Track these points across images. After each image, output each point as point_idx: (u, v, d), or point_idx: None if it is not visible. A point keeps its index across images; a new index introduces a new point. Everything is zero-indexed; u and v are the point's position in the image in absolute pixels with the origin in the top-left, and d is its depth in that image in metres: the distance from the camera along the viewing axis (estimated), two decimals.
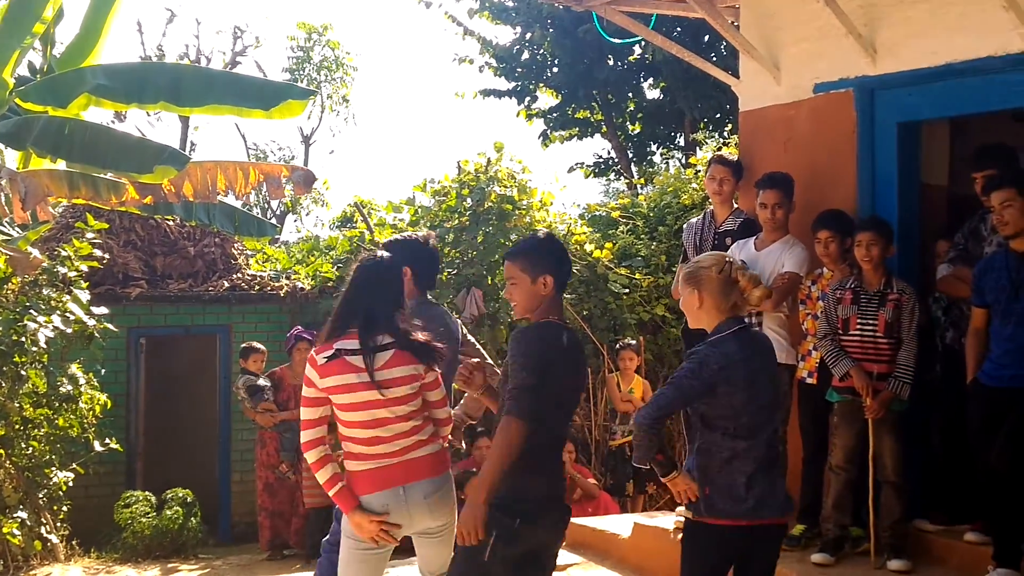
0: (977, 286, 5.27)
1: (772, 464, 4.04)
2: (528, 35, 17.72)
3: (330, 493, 4.13)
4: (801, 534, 5.91)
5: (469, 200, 10.94)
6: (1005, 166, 5.44)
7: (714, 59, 13.69)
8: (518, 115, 18.66)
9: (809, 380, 5.92)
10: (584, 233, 11.33)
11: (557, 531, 4.09)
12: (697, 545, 3.99)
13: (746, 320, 5.84)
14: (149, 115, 22.41)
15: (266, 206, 24.40)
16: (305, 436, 4.13)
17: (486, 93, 18.77)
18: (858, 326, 5.61)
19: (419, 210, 11.42)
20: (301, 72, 26.93)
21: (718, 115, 17.04)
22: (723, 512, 3.90)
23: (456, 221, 10.89)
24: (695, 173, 11.66)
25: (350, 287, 4.34)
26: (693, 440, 4.09)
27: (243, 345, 9.84)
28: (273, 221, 22.69)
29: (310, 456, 4.10)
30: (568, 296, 10.58)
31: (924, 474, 6.03)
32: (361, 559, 4.22)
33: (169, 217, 11.68)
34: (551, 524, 4.03)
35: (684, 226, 7.09)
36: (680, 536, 4.15)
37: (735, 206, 6.59)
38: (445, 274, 10.78)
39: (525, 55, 18.09)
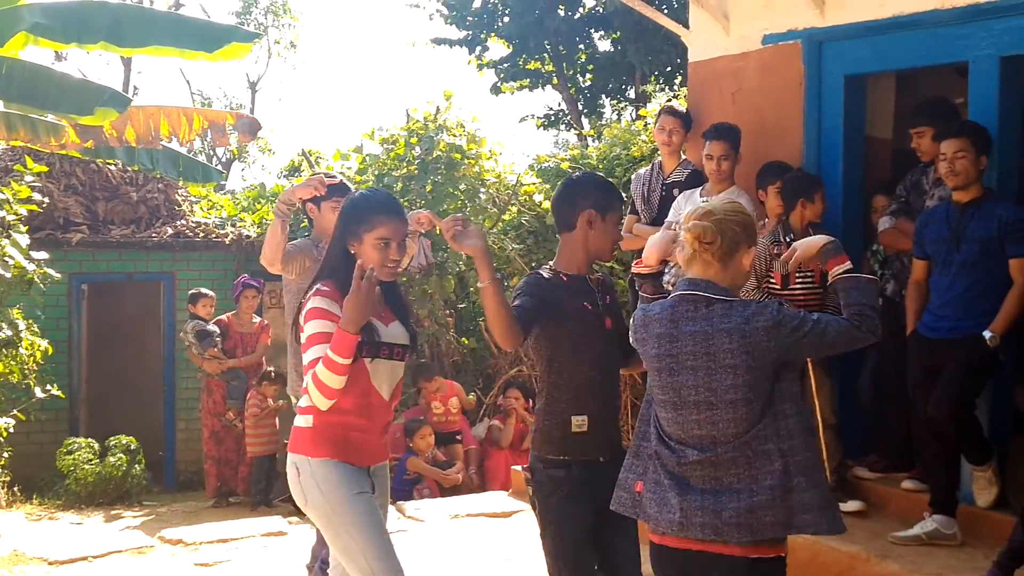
0: (918, 238, 5.32)
1: None
2: None
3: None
4: None
5: (418, 149, 10.85)
6: (944, 122, 5.48)
7: (665, 11, 13.65)
8: (469, 63, 18.53)
9: None
10: (534, 184, 11.31)
11: None
12: None
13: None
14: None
15: (211, 153, 24.04)
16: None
17: (437, 42, 18.62)
18: (798, 280, 5.66)
19: (367, 158, 11.31)
20: (248, 16, 26.48)
21: (668, 68, 17.04)
22: None
23: (404, 170, 10.81)
24: (645, 125, 11.65)
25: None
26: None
27: (191, 291, 9.75)
28: (219, 168, 22.38)
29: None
30: (517, 246, 10.59)
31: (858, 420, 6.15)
32: (368, 509, 3.67)
33: (111, 161, 11.49)
34: None
35: (632, 177, 7.11)
36: None
37: (683, 157, 6.61)
38: None
39: (476, 3, 17.95)
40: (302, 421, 3.71)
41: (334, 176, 5.22)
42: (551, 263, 3.83)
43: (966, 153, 4.99)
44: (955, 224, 5.08)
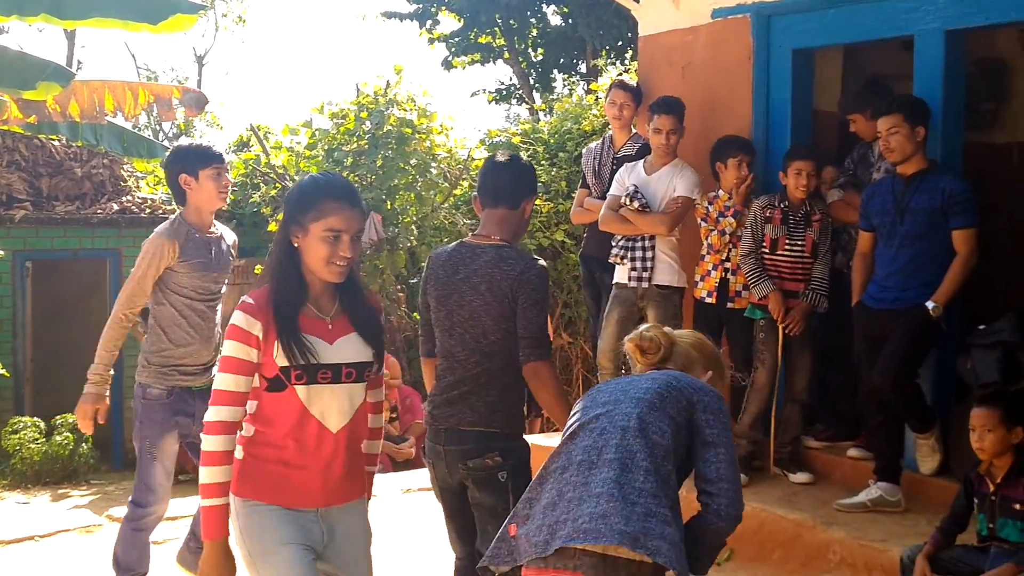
0: (864, 210, 5.41)
1: None
2: None
3: None
4: None
5: (368, 124, 10.81)
6: (873, 104, 5.58)
7: None
8: (420, 36, 18.45)
9: (708, 300, 6.03)
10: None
11: None
12: None
13: (641, 241, 5.97)
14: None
15: (157, 128, 23.73)
16: None
17: (388, 15, 18.50)
18: (787, 246, 5.75)
19: (317, 133, 11.25)
20: None
21: (619, 43, 17.08)
22: None
23: (355, 145, 10.76)
24: (596, 99, 11.70)
25: None
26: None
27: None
28: (165, 143, 22.13)
29: None
30: (469, 222, 10.60)
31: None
32: (291, 564, 3.07)
33: (54, 137, 11.35)
34: None
35: (583, 151, 7.14)
36: None
37: (634, 131, 6.64)
38: None
39: None
40: (236, 449, 3.09)
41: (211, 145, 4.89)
42: (501, 237, 3.75)
43: (899, 128, 5.07)
44: (900, 196, 5.17)
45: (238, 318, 3.02)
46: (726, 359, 5.47)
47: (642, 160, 6.23)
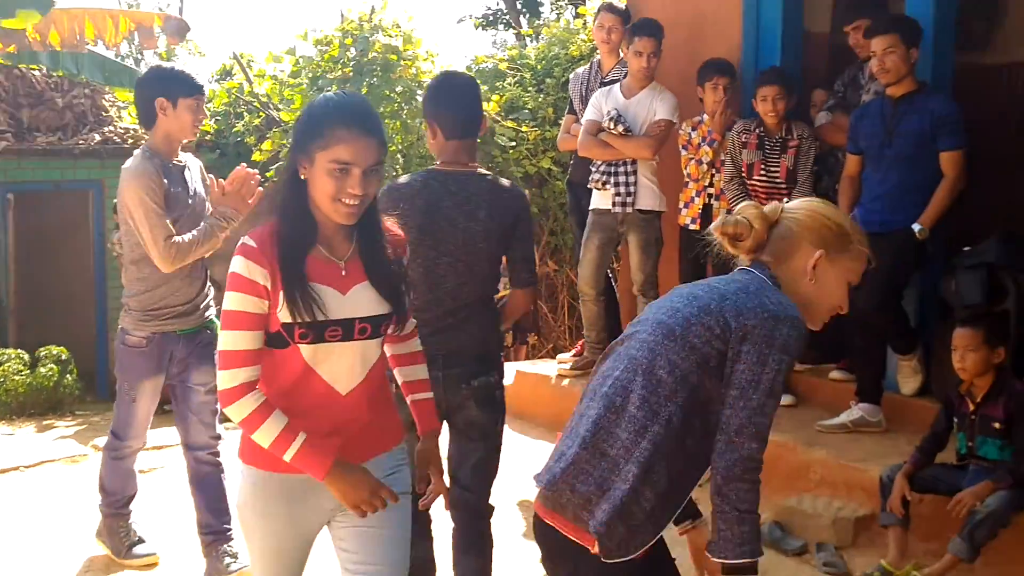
0: (852, 133, 5.38)
1: None
2: None
3: None
4: None
5: (353, 51, 10.68)
6: (873, 15, 5.52)
7: None
8: None
9: (692, 226, 6.04)
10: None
11: None
12: None
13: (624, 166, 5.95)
14: None
15: (139, 57, 23.45)
16: None
17: None
18: (762, 171, 5.74)
19: (300, 60, 11.12)
20: None
21: None
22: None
23: (339, 72, 10.64)
24: (584, 24, 11.57)
25: None
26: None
27: (116, 199, 9.61)
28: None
29: None
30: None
31: None
32: (275, 539, 2.81)
33: (35, 67, 11.22)
34: None
35: (570, 76, 7.09)
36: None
37: (622, 55, 6.58)
38: None
39: None
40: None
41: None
42: (476, 165, 3.69)
43: (895, 48, 5.03)
44: (888, 119, 5.15)
45: (239, 264, 2.55)
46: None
47: (616, 84, 6.18)
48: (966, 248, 5.45)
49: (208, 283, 4.64)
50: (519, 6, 18.45)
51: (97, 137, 11.58)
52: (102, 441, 6.88)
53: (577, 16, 12.94)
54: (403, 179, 3.68)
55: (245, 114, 11.67)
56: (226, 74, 14.37)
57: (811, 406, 5.73)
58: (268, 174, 10.08)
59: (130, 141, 11.52)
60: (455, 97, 3.68)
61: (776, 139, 5.73)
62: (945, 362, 4.60)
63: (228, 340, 2.56)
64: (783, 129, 5.73)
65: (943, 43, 5.42)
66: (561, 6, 17.80)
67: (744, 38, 6.27)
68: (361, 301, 2.65)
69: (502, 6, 18.86)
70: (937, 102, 5.08)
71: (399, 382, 3.02)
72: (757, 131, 5.74)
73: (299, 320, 2.55)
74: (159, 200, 4.22)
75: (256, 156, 9.84)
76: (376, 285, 2.68)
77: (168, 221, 4.23)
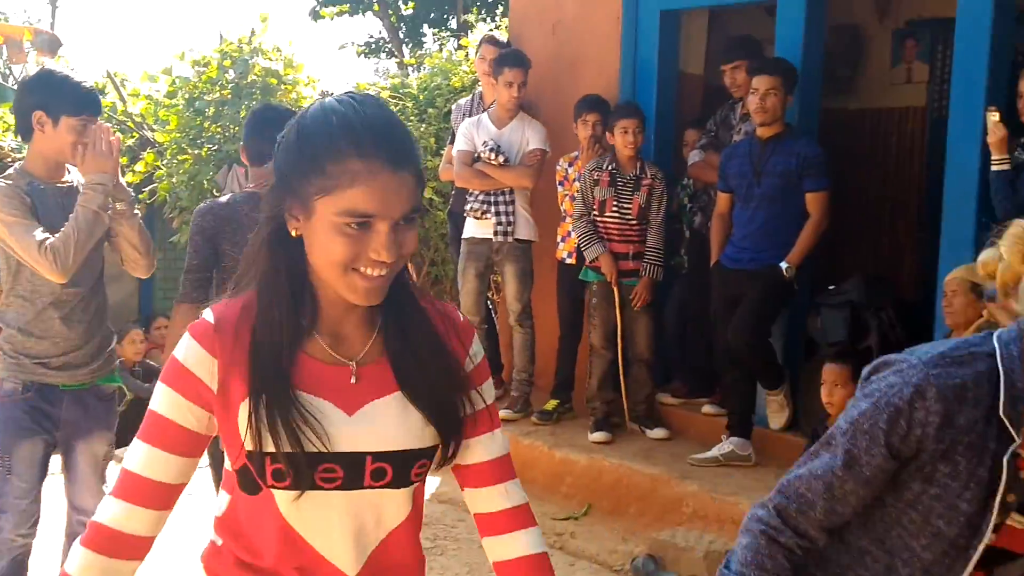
0: (722, 171, 5.52)
1: None
2: None
3: None
4: (554, 409, 6.16)
5: (232, 73, 10.50)
6: (753, 57, 5.69)
7: None
8: None
9: (568, 260, 6.10)
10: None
11: None
12: None
13: (503, 196, 5.98)
14: None
15: (7, 72, 22.66)
16: None
17: None
18: (614, 208, 5.80)
19: (177, 81, 10.87)
20: None
21: (491, 0, 17.01)
22: None
23: (217, 94, 10.44)
24: (466, 55, 11.61)
25: None
26: None
27: None
28: (14, 87, 21.17)
29: None
30: None
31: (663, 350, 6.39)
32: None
33: None
34: None
35: (453, 107, 7.10)
36: None
37: None
38: (205, 150, 10.40)
39: None
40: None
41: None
42: None
43: (777, 91, 5.17)
44: (757, 158, 5.29)
45: (180, 345, 1.67)
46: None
47: (485, 114, 6.24)
48: (831, 287, 5.64)
49: (110, 333, 3.82)
50: (402, 35, 18.44)
51: None
52: None
53: (459, 48, 12.97)
54: (217, 200, 3.92)
55: (119, 134, 11.35)
56: (99, 92, 13.98)
57: (685, 439, 5.80)
58: (141, 196, 9.85)
59: None
60: (261, 127, 3.83)
61: (629, 176, 5.80)
62: (811, 398, 4.74)
63: (131, 456, 1.69)
64: (637, 167, 5.81)
65: (810, 88, 5.60)
66: (444, 37, 17.85)
67: (621, 76, 6.38)
68: (380, 426, 1.69)
69: (385, 35, 18.82)
70: (803, 144, 5.24)
71: (490, 560, 1.89)
72: (610, 168, 5.81)
73: (272, 449, 1.62)
74: (25, 212, 3.47)
75: (130, 177, 9.57)
76: (415, 399, 1.71)
77: (41, 228, 3.46)
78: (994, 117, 4.59)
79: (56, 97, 3.53)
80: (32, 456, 3.58)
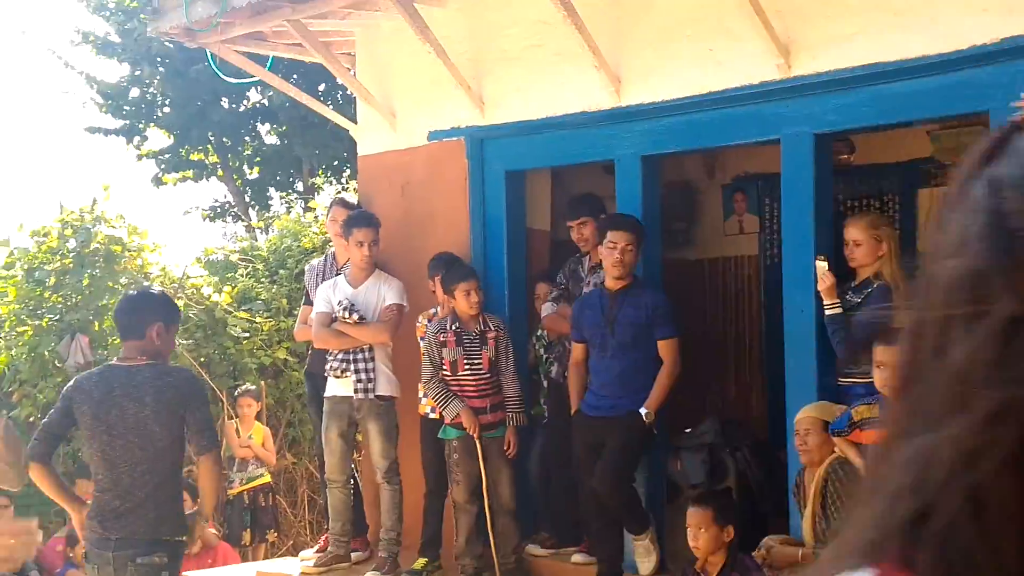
0: (576, 322, 5.66)
1: None
2: (136, 72, 17.05)
3: None
4: (423, 568, 6.04)
5: (73, 242, 10.31)
6: (597, 213, 5.92)
7: (330, 105, 13.80)
8: (128, 151, 17.83)
9: (432, 415, 6.08)
10: (201, 277, 11.01)
11: None
12: None
13: (362, 354, 5.98)
14: None
15: None
16: None
17: (92, 130, 17.82)
18: (466, 366, 5.86)
19: (15, 251, 10.58)
20: None
21: (336, 161, 17.20)
22: None
23: (58, 263, 10.22)
24: (315, 217, 11.70)
25: None
26: None
27: None
28: None
29: None
30: (185, 342, 10.20)
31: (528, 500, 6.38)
32: None
33: None
34: None
35: (306, 268, 7.12)
36: None
37: None
38: (46, 320, 10.09)
39: (134, 92, 17.37)
40: None
41: None
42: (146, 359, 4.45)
43: (633, 247, 5.37)
44: (608, 310, 5.44)
45: None
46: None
47: (340, 274, 6.29)
48: (687, 429, 5.79)
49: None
50: (247, 199, 18.39)
51: None
52: None
53: (307, 210, 13.07)
54: (83, 375, 4.60)
55: None
56: None
57: None
58: None
59: None
60: (121, 308, 4.69)
61: (475, 333, 5.91)
62: (677, 539, 4.80)
63: None
64: (480, 322, 5.92)
65: (651, 241, 5.82)
66: (291, 199, 17.90)
67: (472, 234, 6.51)
68: None
69: (230, 198, 18.74)
70: (650, 295, 5.44)
71: None
72: (454, 328, 5.90)
73: None
74: None
75: None
76: None
77: None
78: (823, 266, 4.89)
79: None
80: None
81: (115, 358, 4.48)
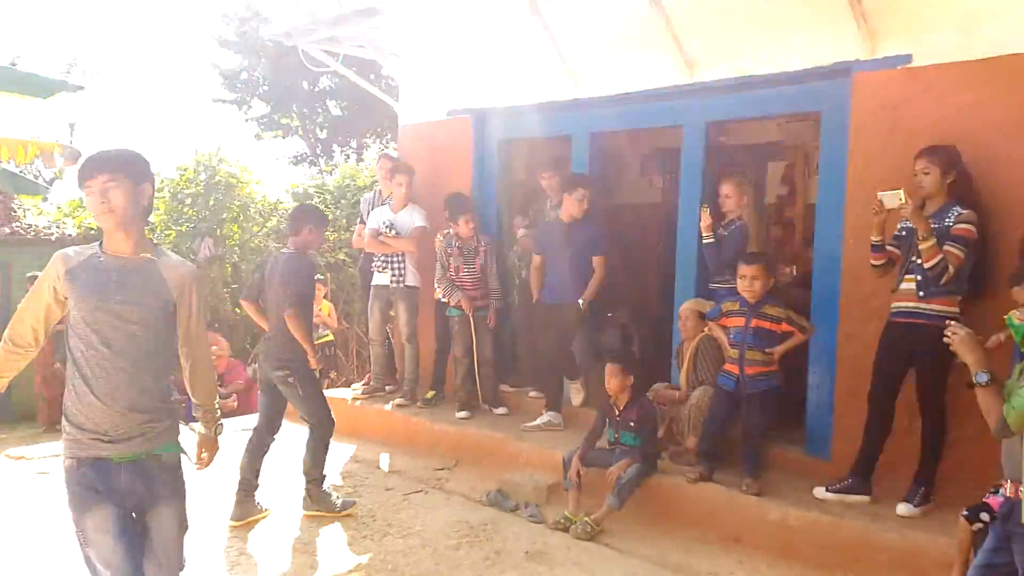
0: (539, 241, 5.66)
1: None
2: (246, 61, 16.64)
3: None
4: (432, 397, 6.14)
5: (203, 175, 10.18)
6: (561, 171, 5.86)
7: (381, 88, 13.49)
8: (239, 116, 17.41)
9: (443, 300, 6.09)
10: (287, 203, 10.93)
11: None
12: None
13: (397, 257, 5.96)
14: None
15: (38, 173, 21.04)
16: None
17: (216, 101, 17.44)
18: (465, 269, 5.87)
19: (163, 180, 10.43)
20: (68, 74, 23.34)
21: (379, 128, 16.92)
22: None
23: (193, 189, 10.12)
24: (366, 166, 11.53)
25: None
26: None
27: (28, 274, 8.64)
28: (45, 184, 19.71)
29: None
30: (276, 245, 10.14)
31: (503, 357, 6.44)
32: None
33: None
34: None
35: (361, 199, 7.04)
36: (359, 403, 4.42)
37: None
38: (184, 227, 10.00)
39: (244, 76, 16.96)
40: None
41: None
42: (293, 248, 4.47)
43: (586, 196, 5.29)
44: (563, 234, 5.41)
45: None
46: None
47: (384, 205, 6.23)
48: (608, 314, 5.83)
49: (165, 403, 2.65)
50: (318, 152, 18.07)
51: (7, 230, 10.32)
52: (12, 451, 6.00)
53: (359, 160, 12.87)
54: (266, 255, 4.59)
55: None
56: None
57: (518, 414, 5.83)
58: None
59: (33, 233, 10.36)
60: (291, 215, 4.61)
61: (471, 247, 5.90)
62: (600, 384, 4.87)
63: None
64: (475, 240, 5.90)
65: (596, 190, 5.79)
66: (348, 153, 17.63)
67: (473, 180, 6.46)
68: None
69: (307, 151, 18.41)
70: (591, 227, 5.42)
71: None
72: (457, 244, 5.88)
73: None
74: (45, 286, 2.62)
75: None
76: None
77: (37, 315, 2.61)
78: (705, 211, 4.90)
79: (82, 166, 2.57)
80: (101, 526, 2.47)
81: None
